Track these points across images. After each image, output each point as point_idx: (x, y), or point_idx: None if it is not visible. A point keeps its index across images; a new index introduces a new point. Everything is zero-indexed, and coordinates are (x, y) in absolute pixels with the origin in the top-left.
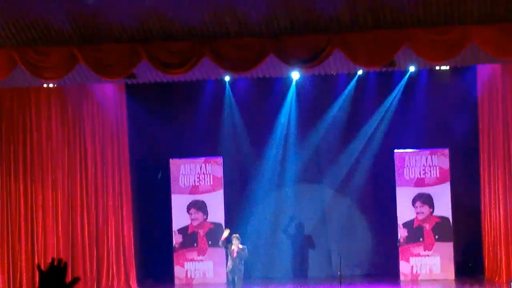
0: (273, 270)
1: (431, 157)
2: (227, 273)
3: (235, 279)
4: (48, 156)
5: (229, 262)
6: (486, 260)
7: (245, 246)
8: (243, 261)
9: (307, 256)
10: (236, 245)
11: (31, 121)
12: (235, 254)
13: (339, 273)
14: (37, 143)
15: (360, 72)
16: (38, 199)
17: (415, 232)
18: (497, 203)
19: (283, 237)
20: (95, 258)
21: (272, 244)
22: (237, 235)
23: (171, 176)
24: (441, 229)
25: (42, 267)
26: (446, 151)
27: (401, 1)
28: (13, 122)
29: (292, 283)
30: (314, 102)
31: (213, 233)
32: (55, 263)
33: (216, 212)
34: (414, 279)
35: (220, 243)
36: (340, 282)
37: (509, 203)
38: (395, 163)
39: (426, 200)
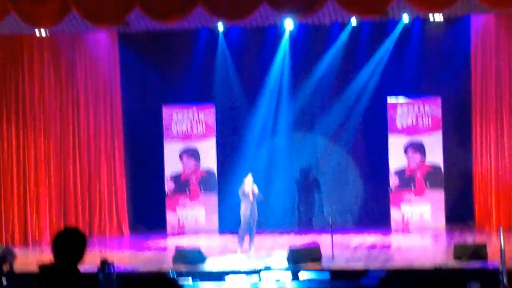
0: (264, 218)
1: (424, 106)
2: (243, 219)
3: (251, 224)
4: (41, 105)
5: (244, 208)
6: (477, 208)
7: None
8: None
9: (299, 204)
10: (251, 188)
11: (23, 71)
12: (252, 198)
13: (330, 220)
14: (30, 93)
15: (353, 22)
16: (31, 148)
17: (407, 180)
18: (488, 151)
19: (275, 185)
20: (87, 206)
21: (262, 191)
22: (250, 176)
23: (164, 123)
24: (432, 177)
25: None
26: (439, 100)
27: None
28: (5, 72)
29: (284, 231)
30: (307, 52)
31: (206, 180)
32: None
33: (209, 159)
34: (405, 226)
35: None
36: (332, 229)
37: (500, 152)
38: (388, 112)
39: (418, 148)
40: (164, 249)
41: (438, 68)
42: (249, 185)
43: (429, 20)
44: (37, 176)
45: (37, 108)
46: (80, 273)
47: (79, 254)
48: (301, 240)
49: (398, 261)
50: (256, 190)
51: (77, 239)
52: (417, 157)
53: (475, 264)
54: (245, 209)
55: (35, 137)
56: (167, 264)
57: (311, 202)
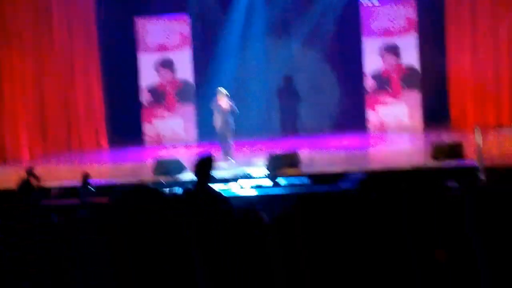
0: (240, 125)
1: (398, 7)
2: (217, 131)
3: (226, 135)
4: (15, 20)
5: (218, 119)
6: (453, 108)
7: (231, 103)
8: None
9: (276, 111)
10: (223, 100)
11: None
12: (225, 110)
13: (308, 125)
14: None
15: None
16: (6, 64)
17: (383, 82)
18: (464, 51)
19: (252, 93)
20: (65, 121)
21: (240, 100)
22: (223, 89)
23: (138, 34)
24: (408, 79)
25: None
26: (413, 0)
27: None
28: None
29: (262, 138)
30: None
31: (182, 90)
32: None
33: (185, 70)
34: (382, 128)
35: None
36: (309, 134)
37: (475, 51)
38: (362, 14)
39: (393, 50)
40: (144, 160)
41: None
42: (220, 97)
43: None
44: (13, 92)
45: (11, 23)
46: None
47: None
48: (280, 147)
49: (377, 163)
50: (228, 102)
51: None
52: (392, 59)
53: (453, 163)
54: (217, 121)
55: (11, 52)
56: (148, 176)
57: (289, 108)
